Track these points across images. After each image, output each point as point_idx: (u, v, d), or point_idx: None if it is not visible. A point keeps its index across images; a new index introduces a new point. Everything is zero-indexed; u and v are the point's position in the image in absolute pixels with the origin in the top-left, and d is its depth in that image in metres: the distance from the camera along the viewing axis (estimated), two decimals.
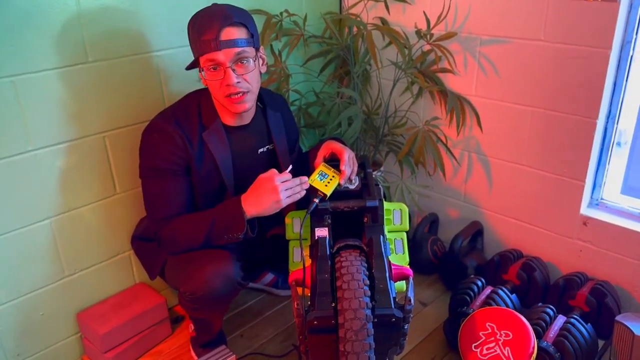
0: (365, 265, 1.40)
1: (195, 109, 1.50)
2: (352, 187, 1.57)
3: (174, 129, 1.44)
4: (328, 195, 1.49)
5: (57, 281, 1.65)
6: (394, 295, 1.39)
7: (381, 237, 1.46)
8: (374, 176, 2.04)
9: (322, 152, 1.59)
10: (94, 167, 1.65)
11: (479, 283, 1.74)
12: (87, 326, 1.68)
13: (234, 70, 1.39)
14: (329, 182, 1.51)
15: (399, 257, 1.57)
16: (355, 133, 1.93)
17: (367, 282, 1.35)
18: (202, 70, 1.41)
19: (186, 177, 1.49)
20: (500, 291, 1.69)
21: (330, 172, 1.55)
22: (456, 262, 1.97)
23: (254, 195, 1.43)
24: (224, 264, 1.43)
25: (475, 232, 2.03)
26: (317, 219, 1.51)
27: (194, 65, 1.44)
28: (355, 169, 1.57)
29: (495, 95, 1.88)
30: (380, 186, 1.66)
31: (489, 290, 1.71)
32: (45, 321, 1.66)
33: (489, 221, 2.05)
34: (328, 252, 1.43)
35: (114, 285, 1.81)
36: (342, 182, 1.53)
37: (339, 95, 2.00)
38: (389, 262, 1.45)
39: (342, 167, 1.52)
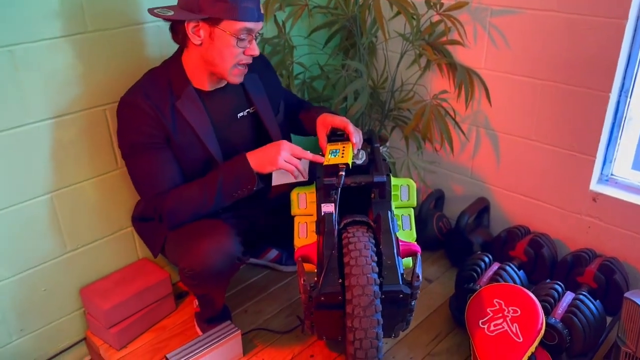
0: (373, 241, 1.38)
1: (164, 79, 1.45)
2: (359, 162, 1.54)
3: (142, 100, 1.40)
4: (350, 163, 1.45)
5: (59, 256, 1.63)
6: (402, 271, 1.37)
7: (389, 212, 1.43)
8: (380, 151, 2.01)
9: (323, 130, 1.56)
10: (94, 141, 1.61)
11: (486, 259, 1.72)
12: (91, 302, 1.67)
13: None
14: (343, 154, 1.48)
15: (406, 233, 1.54)
16: (361, 107, 1.88)
17: (375, 258, 1.33)
18: (231, 35, 1.35)
19: (170, 149, 1.45)
20: (507, 267, 1.67)
21: (339, 146, 1.51)
22: (462, 238, 1.94)
23: (258, 153, 1.45)
24: (223, 239, 1.41)
25: (482, 208, 2.00)
26: (323, 195, 1.48)
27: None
28: (361, 136, 1.54)
29: (505, 68, 1.83)
30: (387, 161, 1.63)
31: (496, 267, 1.69)
32: (48, 297, 1.64)
33: (496, 197, 2.02)
34: (336, 227, 1.41)
35: (117, 261, 1.79)
36: (355, 151, 1.50)
37: (345, 68, 1.95)
38: (397, 238, 1.43)
39: (353, 140, 1.49)
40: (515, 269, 1.67)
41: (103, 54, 1.55)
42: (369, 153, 1.57)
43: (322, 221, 1.43)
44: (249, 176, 1.43)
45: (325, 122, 1.56)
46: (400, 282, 1.34)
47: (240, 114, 1.58)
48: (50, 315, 1.67)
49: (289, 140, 1.73)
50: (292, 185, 1.56)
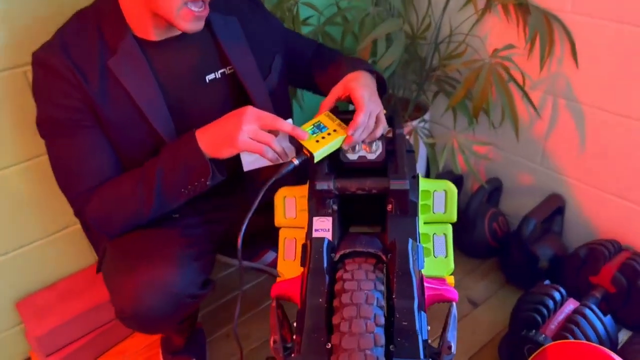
0: (382, 288, 0.90)
1: (93, 26, 0.98)
2: (371, 156, 1.04)
3: (58, 58, 0.95)
4: (316, 156, 0.97)
5: None
6: (426, 336, 0.89)
7: (409, 242, 0.94)
8: (414, 127, 1.49)
9: (337, 91, 1.04)
10: (16, 115, 1.20)
11: (557, 295, 1.20)
12: (26, 321, 1.30)
13: None
14: (323, 138, 0.99)
15: (438, 263, 1.04)
16: (395, 60, 1.35)
17: (381, 320, 0.85)
18: None
19: (100, 129, 1.01)
20: (587, 311, 1.15)
21: (332, 124, 1.02)
22: (524, 250, 1.42)
23: (211, 128, 0.99)
24: (164, 272, 0.98)
25: (554, 210, 1.46)
26: (317, 205, 1.01)
27: None
28: (379, 132, 1.02)
29: (601, 12, 1.24)
30: (413, 153, 1.12)
31: (571, 308, 1.18)
32: None
33: (575, 195, 1.46)
34: (326, 263, 0.93)
35: (65, 265, 1.40)
36: (345, 147, 1.01)
37: (375, 3, 1.40)
38: (421, 281, 0.94)
39: (350, 132, 0.98)
40: (600, 315, 1.15)
41: None
42: (388, 142, 1.06)
43: (308, 248, 0.96)
44: (199, 165, 0.97)
45: (349, 84, 1.03)
46: (422, 356, 0.86)
47: (210, 76, 1.09)
48: None
49: (289, 116, 1.25)
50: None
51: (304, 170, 1.08)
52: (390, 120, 1.11)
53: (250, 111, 0.96)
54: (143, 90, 1.00)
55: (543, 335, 1.14)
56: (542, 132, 1.47)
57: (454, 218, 1.07)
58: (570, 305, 1.19)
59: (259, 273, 1.61)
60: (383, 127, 1.03)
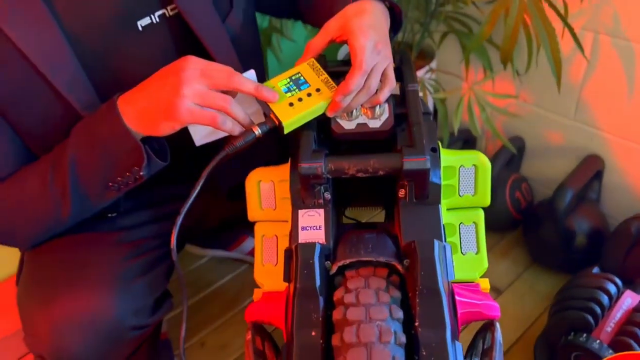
0: (400, 313, 0.64)
1: None
2: (374, 123, 0.75)
3: None
4: (286, 127, 0.70)
5: None
6: None
7: (435, 245, 0.67)
8: (420, 79, 1.21)
9: (332, 29, 0.72)
10: None
11: (612, 289, 0.95)
12: None
13: None
14: (300, 100, 0.71)
15: (467, 262, 0.78)
16: None
17: None
18: None
19: None
20: None
21: (316, 80, 0.73)
22: (557, 225, 1.17)
23: (141, 95, 0.69)
24: (95, 296, 0.72)
25: (593, 175, 1.20)
26: (303, 193, 0.74)
27: None
28: (384, 96, 0.73)
29: None
30: (430, 115, 0.83)
31: (630, 302, 0.94)
32: None
33: (616, 156, 1.20)
34: (318, 280, 0.67)
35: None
36: (330, 113, 0.72)
37: None
38: (452, 297, 0.69)
39: (338, 97, 0.69)
40: None
41: None
42: (396, 103, 0.78)
43: (294, 257, 0.70)
44: (127, 149, 0.69)
45: (347, 24, 0.71)
46: None
47: (144, 21, 0.76)
48: None
49: (260, 68, 0.95)
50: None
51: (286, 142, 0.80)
52: (397, 72, 0.82)
53: (191, 65, 0.66)
54: (43, 46, 0.69)
55: (598, 341, 0.90)
56: (578, 79, 1.19)
57: (487, 201, 0.80)
58: (628, 299, 0.95)
59: (237, 263, 1.35)
60: (389, 89, 0.73)
